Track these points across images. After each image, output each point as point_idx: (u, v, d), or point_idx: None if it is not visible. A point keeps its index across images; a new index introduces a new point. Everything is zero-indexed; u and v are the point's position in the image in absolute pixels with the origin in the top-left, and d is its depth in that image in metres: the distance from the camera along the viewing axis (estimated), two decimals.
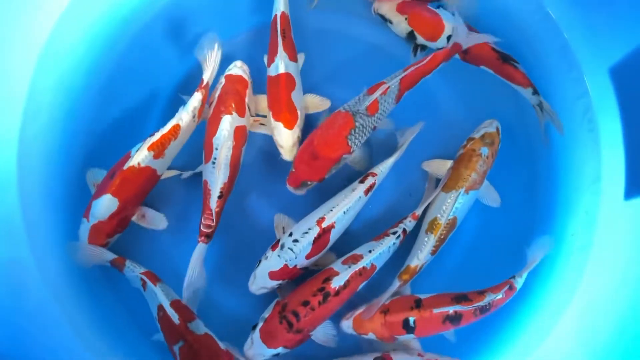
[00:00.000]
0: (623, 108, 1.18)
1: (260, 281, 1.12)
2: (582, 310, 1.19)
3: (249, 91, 1.22)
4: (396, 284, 1.16)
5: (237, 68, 1.24)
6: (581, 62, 1.25)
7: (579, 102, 1.26)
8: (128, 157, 1.13)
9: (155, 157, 1.13)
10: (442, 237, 1.16)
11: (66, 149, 1.25)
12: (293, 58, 1.22)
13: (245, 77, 1.23)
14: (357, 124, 1.11)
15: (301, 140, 1.19)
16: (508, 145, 1.22)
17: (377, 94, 1.12)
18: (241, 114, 1.18)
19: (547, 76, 1.28)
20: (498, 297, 1.13)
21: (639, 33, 1.13)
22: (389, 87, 1.13)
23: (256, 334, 1.09)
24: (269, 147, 1.23)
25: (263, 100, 1.25)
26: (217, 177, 1.13)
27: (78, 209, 1.17)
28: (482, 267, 1.26)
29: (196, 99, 1.17)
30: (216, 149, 1.14)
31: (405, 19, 1.27)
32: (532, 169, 1.28)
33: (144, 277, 1.11)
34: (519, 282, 1.15)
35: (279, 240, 1.13)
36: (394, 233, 1.15)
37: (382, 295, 1.14)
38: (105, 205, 1.11)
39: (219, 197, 1.13)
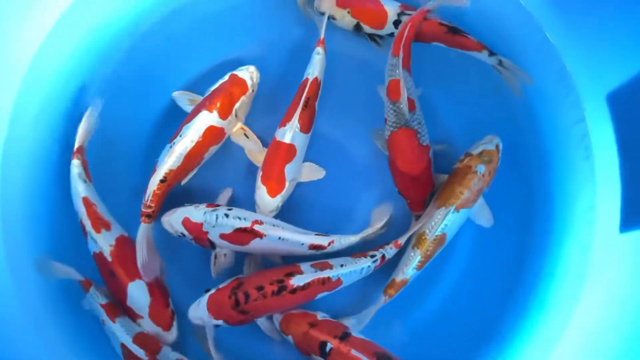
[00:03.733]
0: (620, 136, 1.16)
1: (175, 218, 1.14)
2: (575, 342, 1.16)
3: (244, 98, 1.20)
4: (382, 298, 1.15)
5: (246, 72, 1.22)
6: (579, 87, 1.23)
7: (575, 127, 1.24)
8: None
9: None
10: (429, 253, 1.15)
11: (51, 166, 1.24)
12: (305, 129, 1.19)
13: (249, 83, 1.21)
14: (414, 127, 1.16)
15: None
16: (502, 167, 1.20)
17: (403, 93, 1.15)
18: (223, 116, 1.16)
19: (543, 100, 1.27)
20: None
21: (636, 59, 1.12)
22: (400, 79, 1.15)
23: (204, 299, 1.11)
24: None
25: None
26: (166, 160, 1.13)
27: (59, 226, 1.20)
28: (474, 291, 1.26)
29: (73, 165, 1.18)
30: (180, 135, 1.14)
31: (348, 12, 1.26)
32: (527, 193, 1.27)
33: (103, 312, 1.11)
34: None
35: (220, 205, 1.16)
36: (372, 256, 1.14)
37: (369, 310, 1.15)
38: None
39: (162, 180, 1.13)
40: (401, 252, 1.17)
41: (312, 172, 1.24)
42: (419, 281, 1.18)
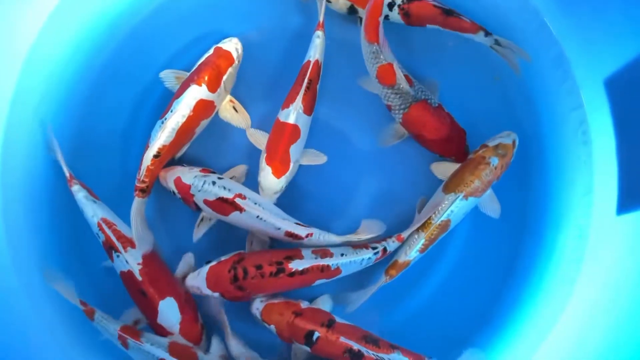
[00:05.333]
0: (617, 121, 1.18)
1: (170, 175, 1.18)
2: (573, 324, 1.19)
3: (231, 69, 1.21)
4: (383, 278, 1.17)
5: (230, 43, 1.23)
6: (576, 73, 1.24)
7: (573, 113, 1.26)
8: None
9: None
10: (433, 237, 1.16)
11: (50, 161, 1.24)
12: (308, 111, 1.20)
13: (234, 55, 1.22)
14: (422, 97, 1.19)
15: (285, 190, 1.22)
16: None
17: (399, 74, 1.16)
18: (212, 89, 1.17)
19: (541, 86, 1.28)
20: None
21: (634, 45, 1.13)
22: (390, 63, 1.17)
23: (204, 270, 1.14)
24: None
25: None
26: (159, 136, 1.14)
27: (61, 219, 1.22)
28: (473, 274, 1.28)
29: (75, 191, 1.18)
30: (171, 111, 1.15)
31: None
32: (526, 178, 1.28)
33: (123, 334, 1.10)
34: None
35: (214, 172, 1.20)
36: (374, 248, 1.15)
37: (369, 289, 1.17)
38: None
39: (155, 155, 1.14)
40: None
41: (313, 157, 1.25)
42: (417, 264, 1.19)
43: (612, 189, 1.18)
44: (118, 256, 1.13)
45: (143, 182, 1.15)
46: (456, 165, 1.21)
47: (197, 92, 1.16)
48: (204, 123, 1.21)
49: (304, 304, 1.15)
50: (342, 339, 1.09)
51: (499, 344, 1.24)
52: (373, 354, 1.08)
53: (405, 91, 1.18)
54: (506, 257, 1.28)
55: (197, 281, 1.14)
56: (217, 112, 1.25)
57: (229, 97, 1.25)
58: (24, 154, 1.22)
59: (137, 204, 1.15)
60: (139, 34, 1.31)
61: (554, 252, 1.26)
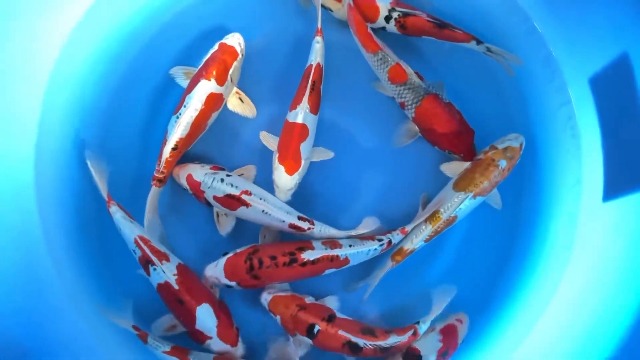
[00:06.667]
0: (602, 115, 1.23)
1: (183, 172, 1.24)
2: (564, 306, 1.24)
3: (236, 63, 1.26)
4: (389, 263, 1.22)
5: (233, 39, 1.28)
6: (564, 71, 1.29)
7: (562, 109, 1.30)
8: None
9: None
10: (438, 229, 1.22)
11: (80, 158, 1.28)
12: (314, 110, 1.26)
13: (238, 49, 1.26)
14: (433, 90, 1.25)
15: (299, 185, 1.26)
16: None
17: (409, 70, 1.24)
18: (220, 82, 1.23)
19: (531, 85, 1.33)
20: (401, 341, 1.16)
21: (615, 46, 1.17)
22: (397, 62, 1.24)
23: (222, 261, 1.19)
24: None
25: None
26: (176, 130, 1.20)
27: (92, 206, 1.26)
28: (469, 264, 1.32)
29: (112, 212, 1.21)
30: (184, 106, 1.20)
31: (343, 5, 1.31)
32: (519, 171, 1.28)
33: (174, 358, 1.15)
34: (422, 328, 1.18)
35: (224, 170, 1.25)
36: (380, 240, 1.20)
37: (376, 274, 1.23)
38: None
39: (174, 148, 1.20)
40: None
41: (322, 153, 1.30)
42: (418, 251, 1.24)
43: (598, 179, 1.23)
44: (155, 269, 1.17)
45: (162, 172, 1.21)
46: (464, 164, 1.25)
47: (207, 87, 1.21)
48: (215, 115, 1.26)
49: (308, 299, 1.20)
50: (341, 332, 1.14)
51: (496, 326, 1.28)
52: (371, 344, 1.14)
53: (417, 84, 1.23)
54: (502, 244, 1.33)
55: (215, 271, 1.19)
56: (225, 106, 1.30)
57: (235, 89, 1.30)
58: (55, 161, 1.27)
59: (154, 192, 1.22)
60: (154, 43, 1.36)
61: (546, 239, 1.30)
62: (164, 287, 1.17)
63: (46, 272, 1.21)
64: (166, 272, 1.17)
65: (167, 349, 1.16)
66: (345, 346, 1.15)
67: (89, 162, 1.23)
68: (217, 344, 1.17)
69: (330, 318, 1.16)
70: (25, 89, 1.22)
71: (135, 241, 1.19)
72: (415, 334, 1.17)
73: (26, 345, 1.10)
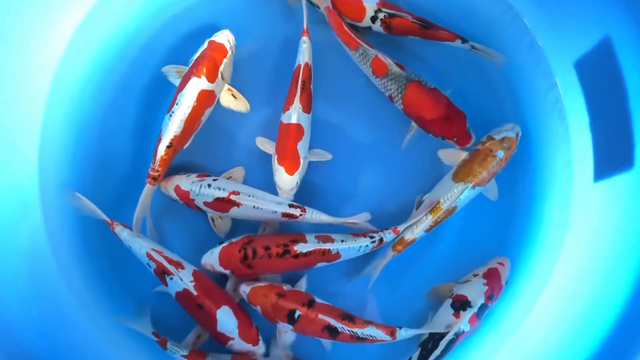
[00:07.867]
0: (588, 98, 1.26)
1: (170, 184, 1.26)
2: (560, 286, 1.26)
3: (226, 60, 1.27)
4: (390, 253, 1.25)
5: (222, 36, 1.29)
6: (548, 57, 1.32)
7: (549, 94, 1.33)
8: None
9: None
10: (439, 220, 1.24)
11: (79, 162, 1.32)
12: (307, 109, 1.27)
13: (227, 46, 1.27)
14: (416, 78, 1.25)
15: (300, 185, 1.27)
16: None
17: (388, 60, 1.25)
18: (211, 79, 1.24)
19: (518, 71, 1.36)
20: (377, 336, 1.16)
21: (597, 31, 1.19)
22: (376, 55, 1.26)
23: (217, 250, 1.21)
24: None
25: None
26: (169, 128, 1.20)
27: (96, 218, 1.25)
28: (468, 247, 1.34)
29: (118, 231, 1.22)
30: (177, 104, 1.21)
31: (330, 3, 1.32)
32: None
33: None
34: (401, 335, 1.17)
35: (210, 176, 1.26)
36: (371, 237, 1.22)
37: (378, 263, 1.25)
38: None
39: (168, 146, 1.21)
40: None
41: (319, 154, 1.31)
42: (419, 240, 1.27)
43: (588, 159, 1.26)
44: (171, 278, 1.18)
45: (157, 171, 1.22)
46: (461, 152, 1.27)
47: (198, 84, 1.22)
48: (208, 112, 1.27)
49: (286, 287, 1.21)
50: (321, 316, 1.15)
51: (498, 306, 1.30)
52: (348, 330, 1.15)
53: (398, 74, 1.25)
54: (500, 227, 1.35)
55: (210, 259, 1.22)
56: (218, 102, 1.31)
57: (227, 86, 1.30)
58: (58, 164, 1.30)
59: (147, 190, 1.23)
60: (149, 49, 1.38)
61: (542, 220, 1.34)
62: (183, 294, 1.18)
63: (58, 285, 1.23)
64: (184, 280, 1.18)
65: (186, 352, 1.18)
66: (324, 330, 1.16)
67: (70, 204, 1.25)
68: (239, 344, 1.19)
69: (311, 303, 1.17)
70: (26, 95, 1.24)
71: (148, 254, 1.19)
72: (392, 334, 1.17)
73: (44, 356, 1.13)
